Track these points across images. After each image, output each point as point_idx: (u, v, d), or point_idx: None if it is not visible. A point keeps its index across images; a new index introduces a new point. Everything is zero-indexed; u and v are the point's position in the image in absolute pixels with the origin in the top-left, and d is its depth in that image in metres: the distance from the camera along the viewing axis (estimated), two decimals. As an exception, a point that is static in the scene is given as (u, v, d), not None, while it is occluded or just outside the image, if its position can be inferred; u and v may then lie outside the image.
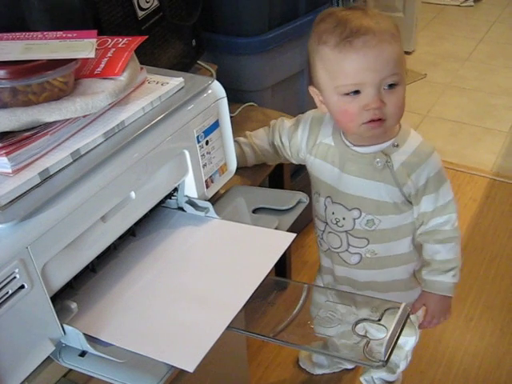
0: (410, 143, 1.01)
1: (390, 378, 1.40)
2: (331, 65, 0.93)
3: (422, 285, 1.11)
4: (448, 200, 1.03)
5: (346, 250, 1.09)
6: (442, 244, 1.05)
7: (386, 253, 1.08)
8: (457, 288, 1.08)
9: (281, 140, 1.12)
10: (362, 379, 1.44)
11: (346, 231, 1.07)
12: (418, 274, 1.13)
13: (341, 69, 0.92)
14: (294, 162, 1.14)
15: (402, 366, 1.36)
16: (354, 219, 1.05)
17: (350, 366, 1.48)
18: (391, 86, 0.92)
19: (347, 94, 0.93)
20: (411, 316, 1.18)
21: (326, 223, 1.10)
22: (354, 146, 1.01)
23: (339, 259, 1.12)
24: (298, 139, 1.09)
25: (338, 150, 1.03)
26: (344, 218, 1.06)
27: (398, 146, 1.00)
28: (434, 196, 1.02)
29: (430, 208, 1.02)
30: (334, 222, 1.07)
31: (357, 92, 0.92)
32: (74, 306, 0.73)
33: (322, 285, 1.21)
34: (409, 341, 1.29)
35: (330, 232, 1.10)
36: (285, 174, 1.47)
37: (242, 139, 1.14)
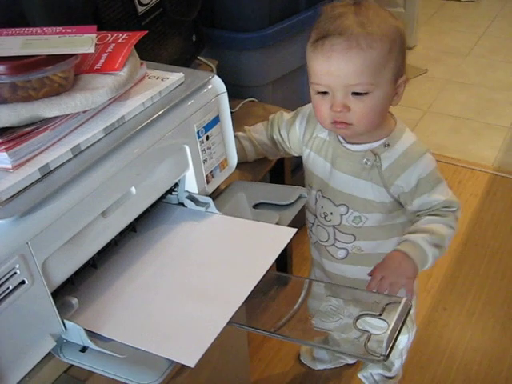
0: (401, 143, 0.99)
1: (389, 373, 1.39)
2: (308, 61, 0.95)
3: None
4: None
5: (333, 245, 1.09)
6: (443, 219, 0.97)
7: (373, 250, 1.07)
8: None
9: (280, 133, 1.12)
10: (360, 376, 1.43)
11: (333, 226, 1.07)
12: None
13: (311, 67, 0.94)
14: (294, 154, 1.14)
15: (397, 364, 1.35)
16: (341, 215, 1.05)
17: (351, 361, 1.48)
18: (358, 94, 0.90)
19: (319, 93, 0.94)
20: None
21: (316, 216, 1.10)
22: (347, 142, 1.01)
23: (326, 253, 1.12)
24: (296, 131, 1.09)
25: (332, 146, 1.03)
26: (332, 213, 1.06)
27: (388, 145, 0.98)
28: (428, 196, 0.98)
29: (424, 207, 0.98)
30: (323, 216, 1.08)
31: (326, 93, 0.93)
32: (74, 301, 0.73)
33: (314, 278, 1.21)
34: (402, 339, 1.27)
35: (318, 225, 1.10)
36: (285, 169, 1.47)
37: (240, 134, 1.14)
